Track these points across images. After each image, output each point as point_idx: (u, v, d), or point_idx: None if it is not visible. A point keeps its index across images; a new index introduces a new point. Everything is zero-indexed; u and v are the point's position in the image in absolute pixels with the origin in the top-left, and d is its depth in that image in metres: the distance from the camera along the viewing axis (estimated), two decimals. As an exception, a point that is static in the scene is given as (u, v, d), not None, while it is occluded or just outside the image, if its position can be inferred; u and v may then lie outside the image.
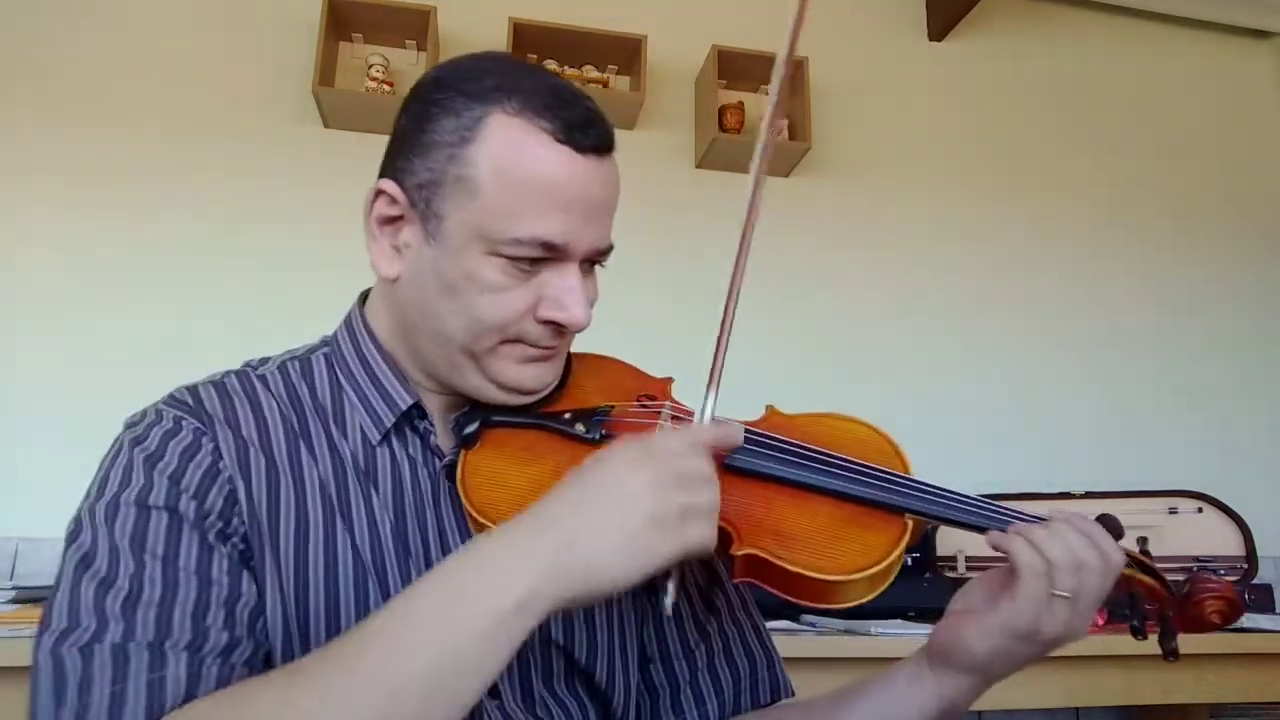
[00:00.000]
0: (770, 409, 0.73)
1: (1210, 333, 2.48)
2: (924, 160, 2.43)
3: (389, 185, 0.65)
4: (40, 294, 1.88)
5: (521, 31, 2.10)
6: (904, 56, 2.51)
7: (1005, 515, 0.63)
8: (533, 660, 0.67)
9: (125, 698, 0.49)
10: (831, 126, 2.38)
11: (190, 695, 0.51)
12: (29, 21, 2.00)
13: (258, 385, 0.69)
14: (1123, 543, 0.62)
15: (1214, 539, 1.90)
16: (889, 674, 0.67)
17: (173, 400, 0.67)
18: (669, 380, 0.76)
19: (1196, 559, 1.88)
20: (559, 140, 0.62)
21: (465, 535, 0.68)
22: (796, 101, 2.27)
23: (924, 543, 1.91)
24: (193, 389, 0.69)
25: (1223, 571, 1.87)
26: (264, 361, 0.73)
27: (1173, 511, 1.93)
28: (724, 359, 0.65)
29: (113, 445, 0.65)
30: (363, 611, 0.62)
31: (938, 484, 0.64)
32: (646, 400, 0.72)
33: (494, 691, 0.64)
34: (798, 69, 2.26)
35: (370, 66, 2.04)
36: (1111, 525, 0.62)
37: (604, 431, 0.67)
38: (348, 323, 0.73)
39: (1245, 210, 2.62)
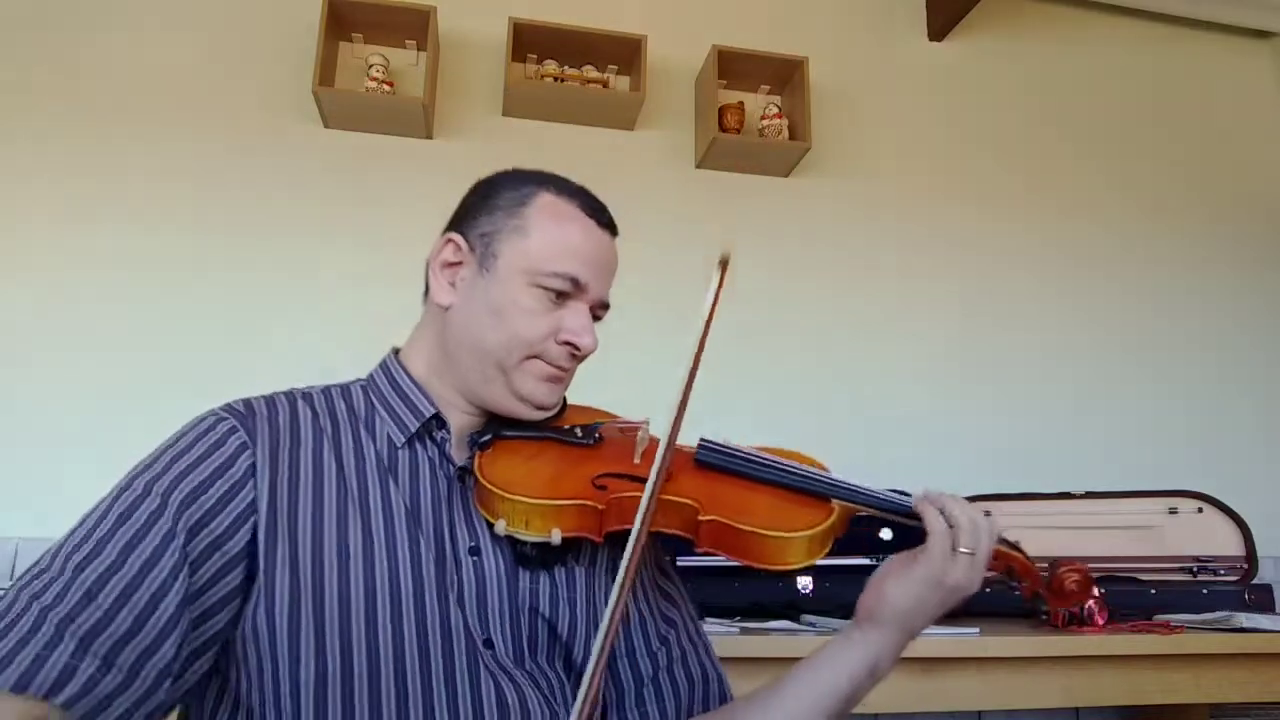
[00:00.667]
0: (724, 440, 0.88)
1: (1210, 333, 2.48)
2: (923, 160, 2.43)
3: (456, 236, 0.86)
4: (39, 294, 1.88)
5: (521, 31, 2.10)
6: (904, 56, 2.51)
7: (901, 499, 0.80)
8: (524, 625, 0.78)
9: (15, 655, 0.59)
10: (831, 126, 2.38)
11: (55, 690, 0.59)
12: (29, 22, 2.01)
13: (299, 398, 0.84)
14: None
15: (1214, 539, 1.90)
16: (820, 647, 0.80)
17: (225, 408, 0.79)
18: (644, 421, 0.93)
19: (1196, 559, 1.89)
20: (585, 214, 0.85)
21: (472, 523, 0.80)
22: (796, 101, 2.27)
23: (924, 543, 1.90)
24: (246, 401, 0.81)
25: (1223, 571, 1.87)
26: (309, 388, 0.87)
27: (1173, 511, 1.94)
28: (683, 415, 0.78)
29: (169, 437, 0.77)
30: (369, 577, 0.73)
31: (856, 482, 0.81)
32: (629, 425, 0.92)
33: (488, 643, 0.76)
34: (798, 69, 2.26)
35: (370, 66, 2.04)
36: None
37: (598, 435, 0.86)
38: (383, 365, 0.89)
39: (1245, 210, 2.62)
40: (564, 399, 0.90)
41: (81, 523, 0.68)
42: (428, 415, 0.82)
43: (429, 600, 0.73)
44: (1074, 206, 2.49)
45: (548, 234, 0.82)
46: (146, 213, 1.96)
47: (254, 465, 0.74)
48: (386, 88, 2.02)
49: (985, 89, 2.54)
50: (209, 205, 1.99)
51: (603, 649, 0.65)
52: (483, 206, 0.85)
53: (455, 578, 0.76)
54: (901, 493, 0.81)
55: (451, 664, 0.72)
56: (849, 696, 0.77)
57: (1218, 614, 1.65)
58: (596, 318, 0.87)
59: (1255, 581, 1.84)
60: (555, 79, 2.15)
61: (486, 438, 0.82)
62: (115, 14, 2.05)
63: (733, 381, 2.08)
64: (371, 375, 0.89)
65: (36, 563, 0.66)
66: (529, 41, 2.14)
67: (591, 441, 0.85)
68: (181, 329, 1.91)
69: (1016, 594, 0.83)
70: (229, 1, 2.12)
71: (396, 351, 0.90)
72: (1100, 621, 1.56)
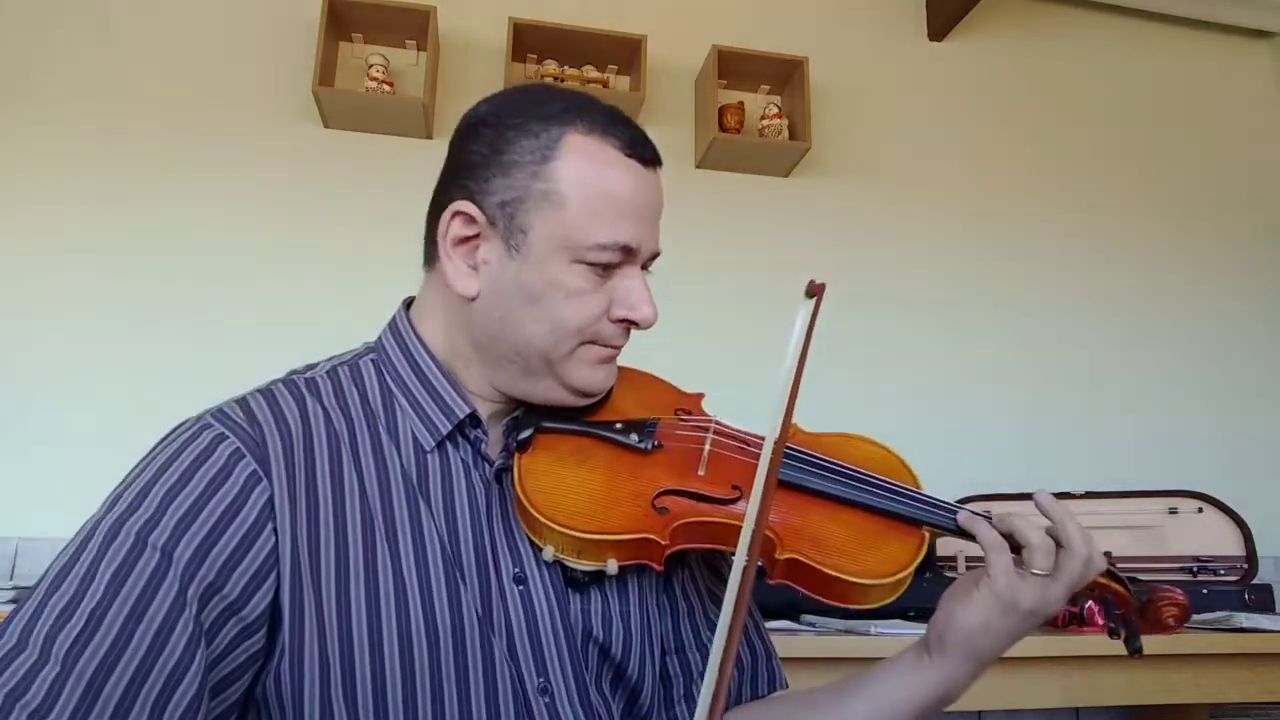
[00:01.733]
0: (794, 427, 0.76)
1: (1210, 333, 2.48)
2: (924, 160, 2.43)
3: (467, 206, 0.69)
4: (39, 295, 1.88)
5: (521, 31, 2.10)
6: (904, 56, 2.51)
7: (984, 517, 0.70)
8: (581, 658, 0.69)
9: None
10: (831, 126, 2.38)
11: None
12: (29, 22, 2.00)
13: (306, 394, 0.70)
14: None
15: (1214, 539, 1.90)
16: (891, 663, 0.71)
17: (222, 419, 0.65)
18: (700, 395, 0.82)
19: (1196, 559, 1.89)
20: (627, 155, 0.69)
21: (514, 543, 0.70)
22: (797, 101, 2.27)
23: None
24: (243, 403, 0.67)
25: (1223, 571, 1.87)
26: (310, 367, 0.74)
27: (1173, 511, 1.94)
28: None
29: (151, 450, 0.64)
30: (404, 625, 0.63)
31: (946, 499, 0.71)
32: (684, 414, 0.78)
33: (544, 689, 0.66)
34: (798, 69, 2.26)
35: (370, 66, 2.04)
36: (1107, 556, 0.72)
37: (656, 442, 0.73)
38: (395, 331, 0.75)
39: (1245, 210, 2.62)
40: None
41: (58, 583, 0.54)
42: (462, 415, 0.70)
43: (470, 649, 0.64)
44: (1074, 206, 2.49)
45: (587, 194, 0.67)
46: (146, 213, 1.95)
47: (271, 501, 0.61)
48: (386, 88, 2.02)
49: (985, 89, 2.54)
50: (209, 205, 1.99)
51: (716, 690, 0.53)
52: (494, 163, 0.68)
53: (502, 615, 0.66)
54: (985, 513, 0.71)
55: None
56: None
57: (1218, 614, 1.65)
58: (646, 269, 0.74)
59: (1255, 581, 1.84)
60: (555, 79, 2.15)
61: (527, 433, 0.70)
62: (115, 14, 2.05)
63: (732, 382, 2.08)
64: (382, 343, 0.75)
65: (3, 640, 0.51)
66: (529, 41, 2.14)
67: (650, 447, 0.72)
68: (181, 329, 1.91)
69: (1109, 624, 0.75)
70: (229, 1, 2.12)
71: (408, 307, 0.76)
72: (1100, 621, 1.56)
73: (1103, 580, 0.70)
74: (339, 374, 0.73)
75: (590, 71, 2.19)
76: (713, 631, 0.76)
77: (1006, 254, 2.41)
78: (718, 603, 0.80)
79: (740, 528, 0.62)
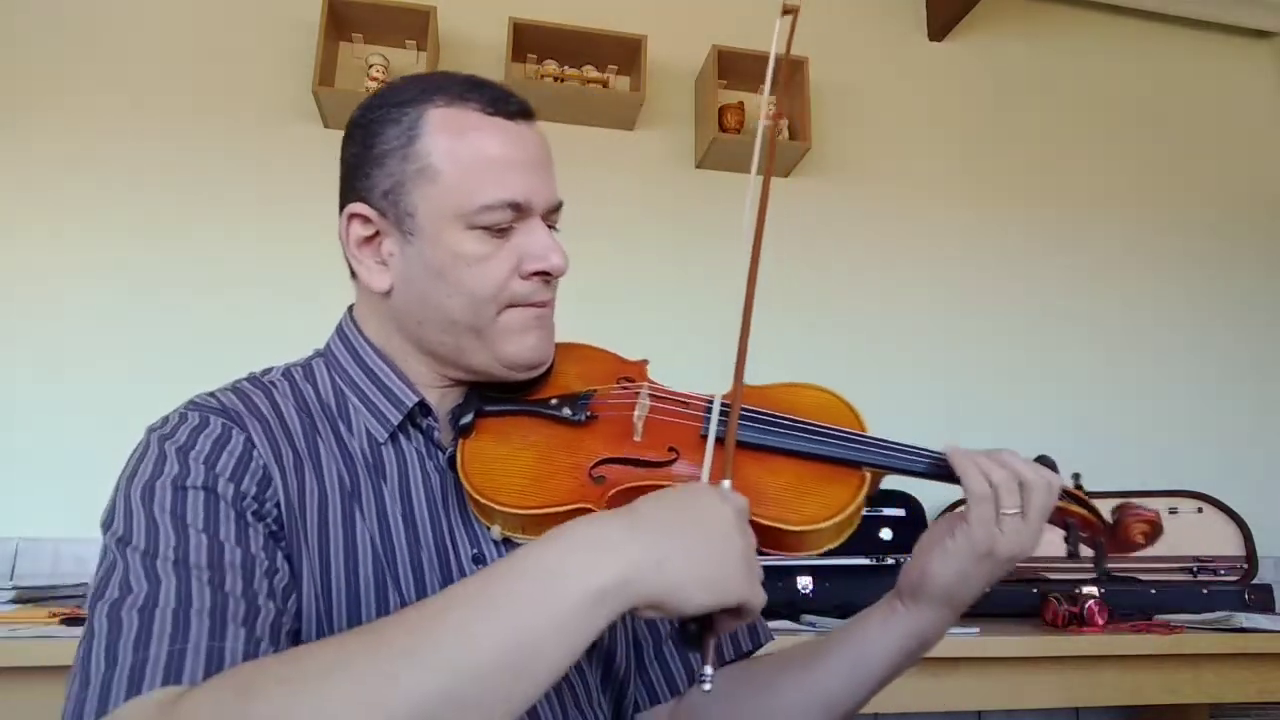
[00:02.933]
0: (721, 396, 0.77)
1: (1210, 333, 2.48)
2: (924, 160, 2.43)
3: (357, 206, 0.72)
4: (39, 294, 1.88)
5: (521, 31, 2.10)
6: (904, 56, 2.51)
7: (936, 455, 0.71)
8: None
9: (184, 659, 0.50)
10: (831, 126, 2.38)
11: None
12: (29, 23, 2.00)
13: (271, 389, 0.72)
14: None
15: (1214, 539, 1.91)
16: (862, 617, 0.73)
17: (194, 404, 0.68)
18: (645, 362, 0.82)
19: (1196, 559, 1.89)
20: (489, 113, 0.70)
21: (469, 524, 0.72)
22: (797, 101, 2.27)
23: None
24: (211, 394, 0.70)
25: (1223, 571, 1.87)
26: (266, 371, 0.76)
27: (1173, 512, 1.94)
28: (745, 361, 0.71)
29: (138, 447, 0.66)
30: (380, 599, 0.65)
31: (891, 439, 0.71)
32: (625, 382, 0.78)
33: None
34: (798, 69, 2.26)
35: (370, 66, 2.04)
36: (1048, 463, 0.72)
37: (589, 413, 0.73)
38: (340, 332, 0.78)
39: (1245, 210, 2.62)
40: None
41: (125, 543, 0.57)
42: (411, 404, 0.72)
43: None
44: (1073, 206, 2.49)
45: (457, 161, 0.68)
46: (146, 213, 1.95)
47: (260, 454, 0.64)
48: (386, 88, 2.02)
49: (985, 89, 2.54)
50: (209, 205, 1.99)
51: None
52: (368, 159, 0.71)
53: None
54: (940, 454, 0.71)
55: None
56: (889, 677, 0.71)
57: (1218, 614, 1.65)
58: (552, 225, 0.74)
59: (1255, 581, 1.84)
60: (555, 79, 2.15)
61: (468, 419, 0.72)
62: (114, 14, 2.05)
63: (728, 381, 2.08)
64: (330, 347, 0.77)
65: (104, 591, 0.56)
66: (529, 41, 2.14)
67: (583, 419, 0.72)
68: (181, 329, 1.91)
69: (1073, 548, 0.74)
70: (229, 1, 2.12)
71: (351, 311, 0.79)
72: (1100, 621, 1.56)
73: (1064, 504, 0.71)
74: (293, 375, 0.75)
75: (590, 71, 2.19)
76: None
77: (1006, 254, 2.41)
78: None
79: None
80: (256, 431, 0.66)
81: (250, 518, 0.60)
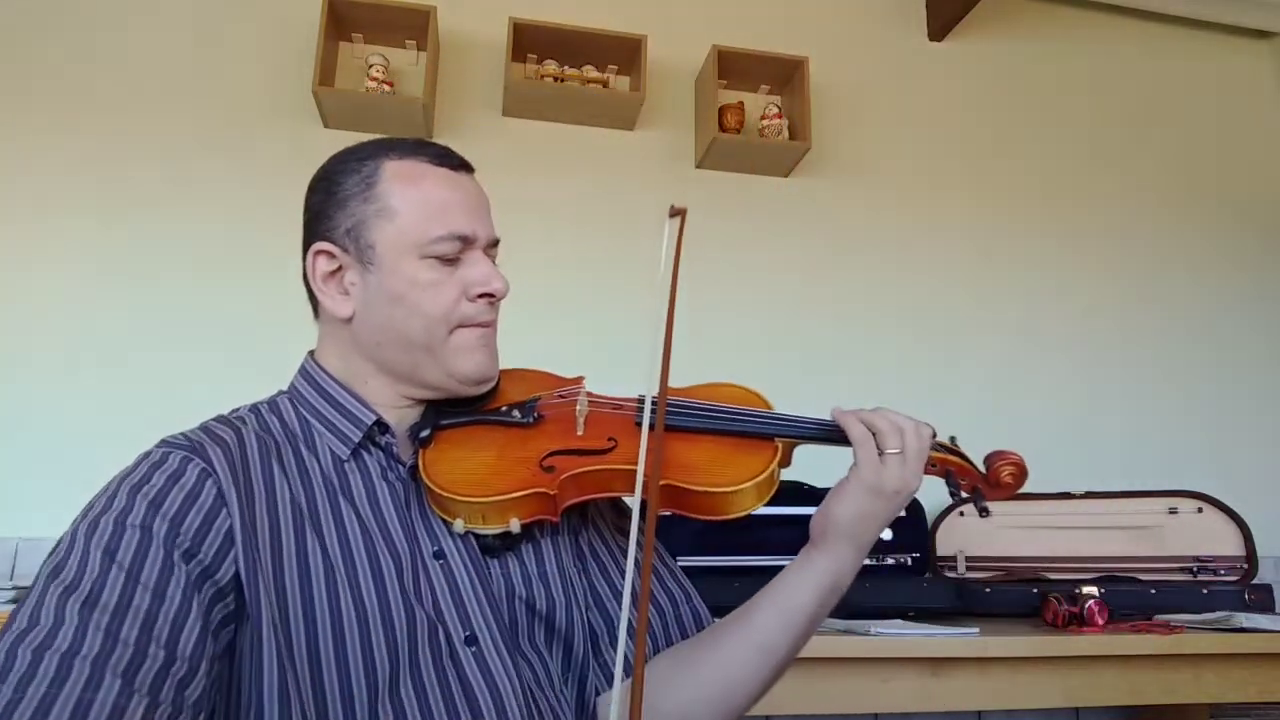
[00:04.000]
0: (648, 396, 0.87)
1: (1210, 333, 2.48)
2: (923, 160, 2.43)
3: (321, 244, 0.81)
4: (39, 294, 1.88)
5: (521, 31, 2.10)
6: (904, 56, 2.51)
7: (826, 419, 0.83)
8: (505, 613, 0.77)
9: (53, 706, 0.52)
10: (831, 126, 2.38)
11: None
12: (29, 23, 2.01)
13: (236, 423, 0.79)
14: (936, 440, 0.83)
15: (1214, 539, 1.91)
16: (784, 571, 0.82)
17: (162, 441, 0.73)
18: (581, 378, 0.93)
19: (1197, 559, 1.89)
20: (437, 165, 0.82)
21: (430, 525, 0.78)
22: (797, 101, 2.27)
23: (923, 544, 1.91)
24: (182, 434, 0.75)
25: (1223, 571, 1.87)
26: (234, 410, 0.83)
27: (1173, 511, 1.94)
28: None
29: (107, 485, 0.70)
30: (334, 606, 0.70)
31: (792, 413, 0.83)
32: (565, 391, 0.89)
33: (471, 639, 0.74)
34: (798, 68, 2.26)
35: (370, 66, 2.04)
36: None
37: (537, 414, 0.84)
38: (303, 371, 0.86)
39: (1245, 210, 2.62)
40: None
41: (55, 574, 0.60)
42: (369, 423, 0.79)
43: (396, 616, 0.71)
44: (1074, 206, 2.49)
45: (411, 202, 0.79)
46: (146, 212, 1.96)
47: (221, 493, 0.69)
48: (386, 88, 2.02)
49: (985, 89, 2.54)
50: (209, 205, 1.99)
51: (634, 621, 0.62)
52: (331, 204, 0.81)
53: (427, 586, 0.75)
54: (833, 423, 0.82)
55: (424, 672, 0.71)
56: (815, 614, 0.79)
57: (1218, 614, 1.65)
58: (491, 259, 0.85)
59: (1255, 581, 1.84)
60: (555, 79, 2.15)
61: (426, 433, 0.80)
62: (114, 14, 2.05)
63: (729, 380, 2.08)
64: (293, 384, 0.85)
65: (14, 624, 0.58)
66: (529, 41, 2.14)
67: (531, 420, 0.83)
68: (181, 329, 1.91)
69: (955, 493, 0.85)
70: (229, 1, 2.12)
71: (312, 355, 0.87)
72: (1100, 621, 1.56)
73: (939, 455, 0.83)
74: (259, 409, 0.83)
75: (590, 71, 2.19)
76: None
77: (1006, 254, 2.41)
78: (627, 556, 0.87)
79: (620, 470, 0.77)
80: (217, 457, 0.71)
81: (180, 560, 0.64)
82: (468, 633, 0.74)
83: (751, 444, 0.81)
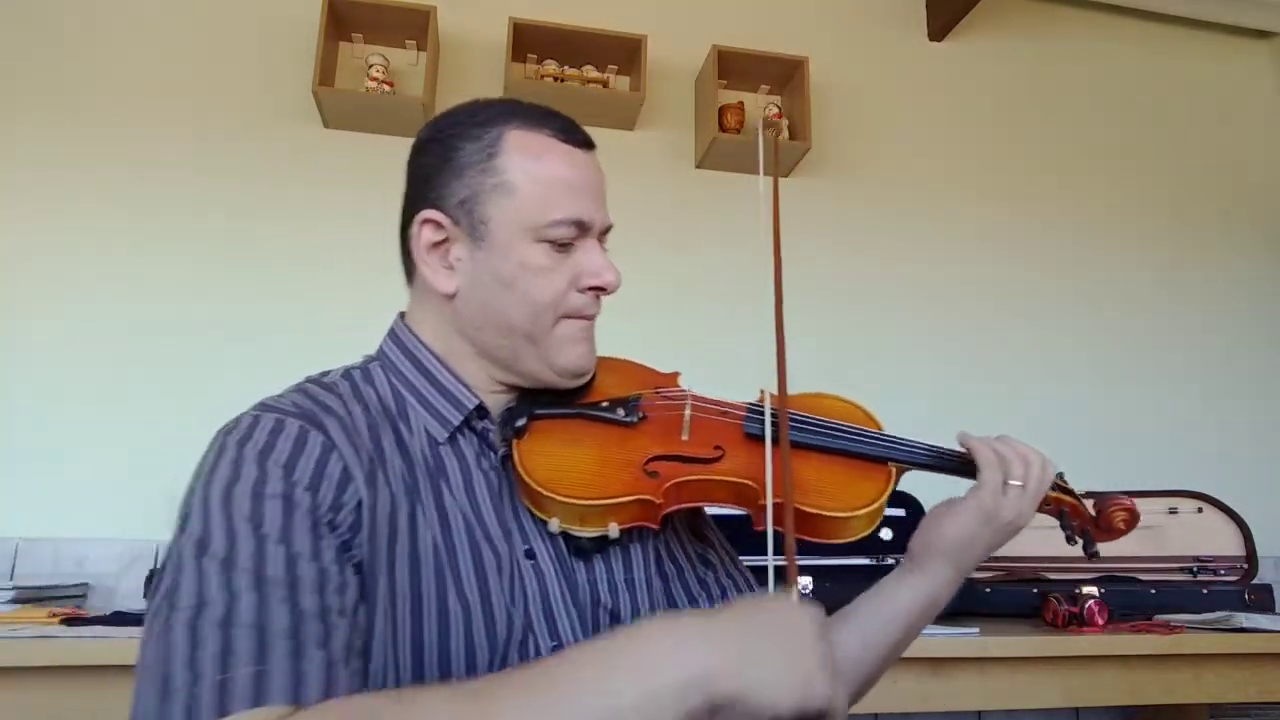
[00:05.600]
0: (763, 391, 0.83)
1: (1210, 333, 2.48)
2: (924, 160, 2.43)
3: (431, 213, 0.75)
4: (40, 294, 1.88)
5: (521, 31, 2.10)
6: (904, 56, 2.51)
7: (949, 447, 0.82)
8: (589, 623, 0.74)
9: (270, 681, 0.52)
10: (831, 126, 2.38)
11: (326, 695, 0.53)
12: (29, 23, 2.01)
13: (336, 391, 0.74)
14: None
15: (1214, 539, 1.90)
16: (880, 583, 0.82)
17: (266, 406, 0.68)
18: (676, 374, 0.88)
19: (1197, 558, 1.89)
20: (563, 141, 0.75)
21: (521, 521, 0.74)
22: (797, 101, 2.27)
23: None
24: (279, 397, 0.71)
25: (1223, 571, 1.87)
26: (325, 374, 0.78)
27: (1173, 511, 1.94)
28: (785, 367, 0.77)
29: (211, 449, 0.66)
30: (441, 597, 0.67)
31: (910, 437, 0.81)
32: (665, 390, 0.85)
33: (558, 651, 0.70)
34: (798, 69, 2.26)
35: (370, 66, 2.04)
36: None
37: (641, 414, 0.79)
38: (395, 338, 0.80)
39: (1245, 210, 2.62)
40: None
41: (202, 554, 0.57)
42: (470, 407, 0.75)
43: (499, 615, 0.68)
44: (1074, 206, 2.49)
45: (533, 180, 0.73)
46: (146, 213, 1.96)
47: (345, 466, 0.65)
48: (386, 88, 2.02)
49: (985, 89, 2.54)
50: (209, 205, 1.99)
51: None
52: (446, 170, 0.75)
53: (520, 588, 0.71)
54: (952, 450, 0.81)
55: None
56: (907, 631, 0.79)
57: (1218, 614, 1.65)
58: (602, 245, 0.80)
59: (1255, 581, 1.84)
60: (555, 79, 2.15)
61: (521, 421, 0.75)
62: (115, 14, 2.05)
63: (730, 381, 2.08)
64: (384, 351, 0.79)
65: (175, 600, 0.55)
66: (529, 41, 2.14)
67: (635, 420, 0.78)
68: (181, 329, 1.91)
69: (1068, 534, 0.84)
70: (229, 1, 2.12)
71: (402, 318, 0.81)
72: (1100, 621, 1.56)
73: (1056, 494, 0.81)
74: (352, 376, 0.77)
75: (590, 71, 2.20)
76: (704, 592, 0.83)
77: (1006, 254, 2.41)
78: (706, 564, 0.86)
79: (726, 482, 0.73)
80: (334, 430, 0.67)
81: (325, 529, 0.61)
82: (555, 644, 0.71)
83: (866, 467, 0.78)
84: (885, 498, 0.75)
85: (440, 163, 0.76)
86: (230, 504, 0.59)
